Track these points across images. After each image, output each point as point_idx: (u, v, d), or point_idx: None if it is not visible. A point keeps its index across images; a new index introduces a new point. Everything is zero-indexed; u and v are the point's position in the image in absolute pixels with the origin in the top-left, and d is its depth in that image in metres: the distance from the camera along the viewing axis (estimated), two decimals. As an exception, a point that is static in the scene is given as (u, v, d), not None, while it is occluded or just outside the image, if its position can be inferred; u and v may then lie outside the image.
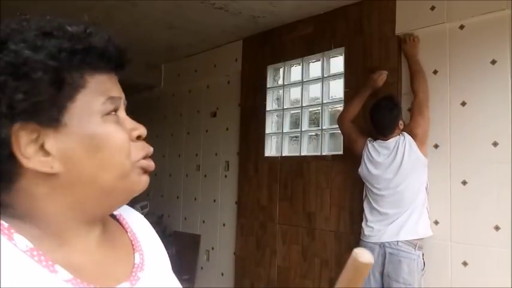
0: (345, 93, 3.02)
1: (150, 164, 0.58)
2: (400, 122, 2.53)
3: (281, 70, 3.59)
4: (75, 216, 0.54)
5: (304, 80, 3.37)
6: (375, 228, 2.51)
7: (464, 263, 2.38)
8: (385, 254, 2.44)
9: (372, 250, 2.42)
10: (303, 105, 3.36)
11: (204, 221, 4.13)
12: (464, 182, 2.42)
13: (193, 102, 4.39)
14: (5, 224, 0.50)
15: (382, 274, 2.44)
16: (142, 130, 0.57)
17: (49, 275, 0.49)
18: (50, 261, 0.50)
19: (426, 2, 2.60)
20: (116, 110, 0.56)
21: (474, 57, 2.42)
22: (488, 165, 2.33)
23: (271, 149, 3.59)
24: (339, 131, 2.95)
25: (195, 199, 4.27)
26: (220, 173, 4.02)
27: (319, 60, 3.27)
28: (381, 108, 2.53)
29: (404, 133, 2.50)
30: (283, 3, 3.06)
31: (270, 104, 3.61)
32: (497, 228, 2.27)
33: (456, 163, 2.46)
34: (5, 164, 0.49)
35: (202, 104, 4.28)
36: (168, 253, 0.71)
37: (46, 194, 0.52)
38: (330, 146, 3.21)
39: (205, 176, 4.18)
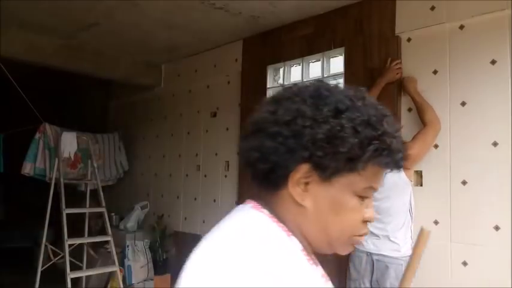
0: (345, 93, 3.01)
1: (359, 241, 0.73)
2: None
3: (281, 70, 3.59)
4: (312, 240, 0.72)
5: (304, 80, 3.37)
6: None
7: (464, 263, 2.38)
8: (373, 261, 2.43)
9: (360, 258, 2.47)
10: (303, 105, 3.36)
11: (204, 221, 4.12)
12: (464, 182, 2.42)
13: (193, 102, 4.39)
14: (284, 226, 0.69)
15: (371, 281, 2.43)
16: (371, 215, 0.72)
17: (315, 268, 0.71)
18: (312, 260, 0.72)
19: (426, 2, 2.60)
20: (367, 197, 0.71)
21: (474, 57, 2.42)
22: (488, 165, 2.33)
23: (271, 149, 3.59)
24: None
25: (195, 199, 4.26)
26: (220, 173, 4.02)
27: (319, 60, 3.27)
28: None
29: None
30: (283, 3, 3.06)
31: (270, 104, 3.60)
32: (497, 228, 2.27)
33: (456, 163, 2.46)
34: (279, 175, 0.68)
35: (202, 104, 4.28)
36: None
37: (296, 213, 0.69)
38: (330, 146, 3.20)
39: (205, 176, 4.18)
